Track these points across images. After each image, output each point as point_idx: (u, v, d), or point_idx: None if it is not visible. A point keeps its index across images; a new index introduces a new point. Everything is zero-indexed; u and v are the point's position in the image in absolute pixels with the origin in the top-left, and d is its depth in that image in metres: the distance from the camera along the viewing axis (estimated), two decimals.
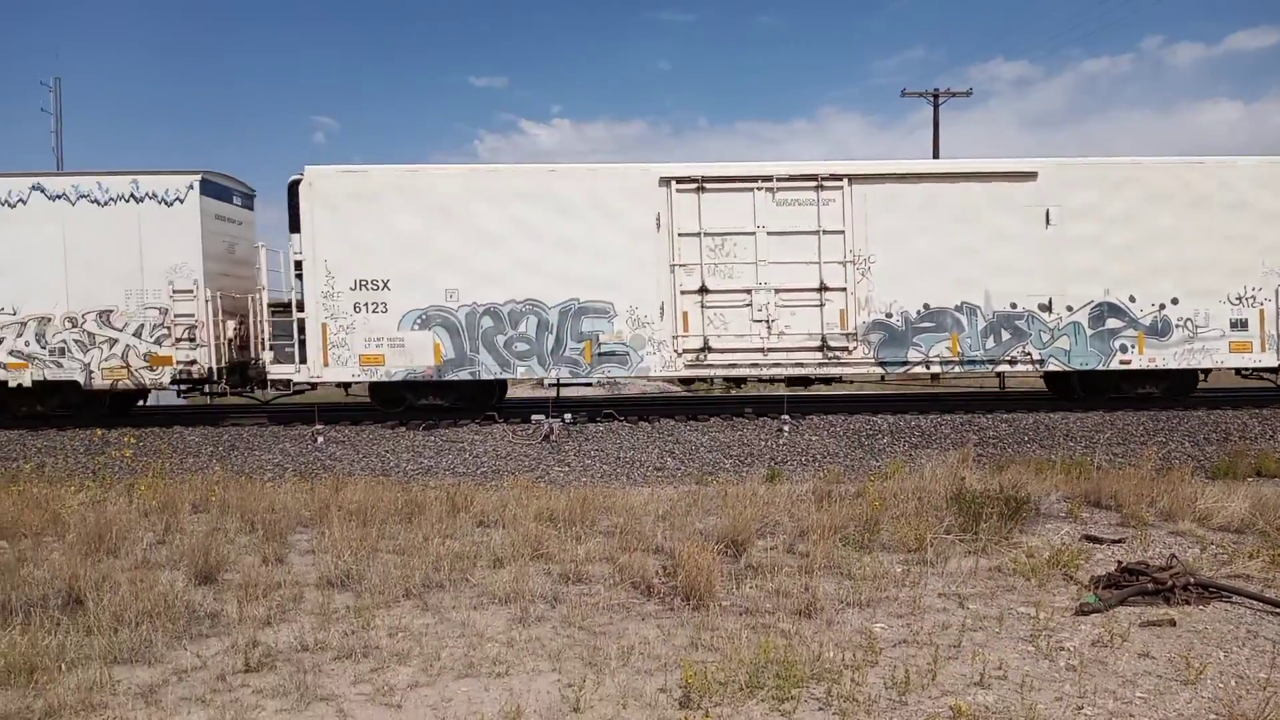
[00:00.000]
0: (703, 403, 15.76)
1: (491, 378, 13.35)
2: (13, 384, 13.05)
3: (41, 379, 13.08)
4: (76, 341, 13.03)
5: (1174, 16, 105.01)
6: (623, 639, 5.12)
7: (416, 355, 13.00)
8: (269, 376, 13.20)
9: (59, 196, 13.01)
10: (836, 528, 7.18)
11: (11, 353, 13.03)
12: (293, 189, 12.97)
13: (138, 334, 13.04)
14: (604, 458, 11.77)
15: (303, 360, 12.91)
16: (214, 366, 13.18)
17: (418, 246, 12.94)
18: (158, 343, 13.04)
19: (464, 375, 13.15)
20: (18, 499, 8.35)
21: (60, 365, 13.05)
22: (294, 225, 12.97)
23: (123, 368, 13.04)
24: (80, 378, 13.08)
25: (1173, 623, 5.32)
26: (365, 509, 7.86)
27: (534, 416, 13.20)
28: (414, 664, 4.81)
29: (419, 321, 12.99)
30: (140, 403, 15.25)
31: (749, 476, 10.44)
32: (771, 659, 4.58)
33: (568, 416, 13.20)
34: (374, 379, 13.19)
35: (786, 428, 12.68)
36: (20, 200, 13.00)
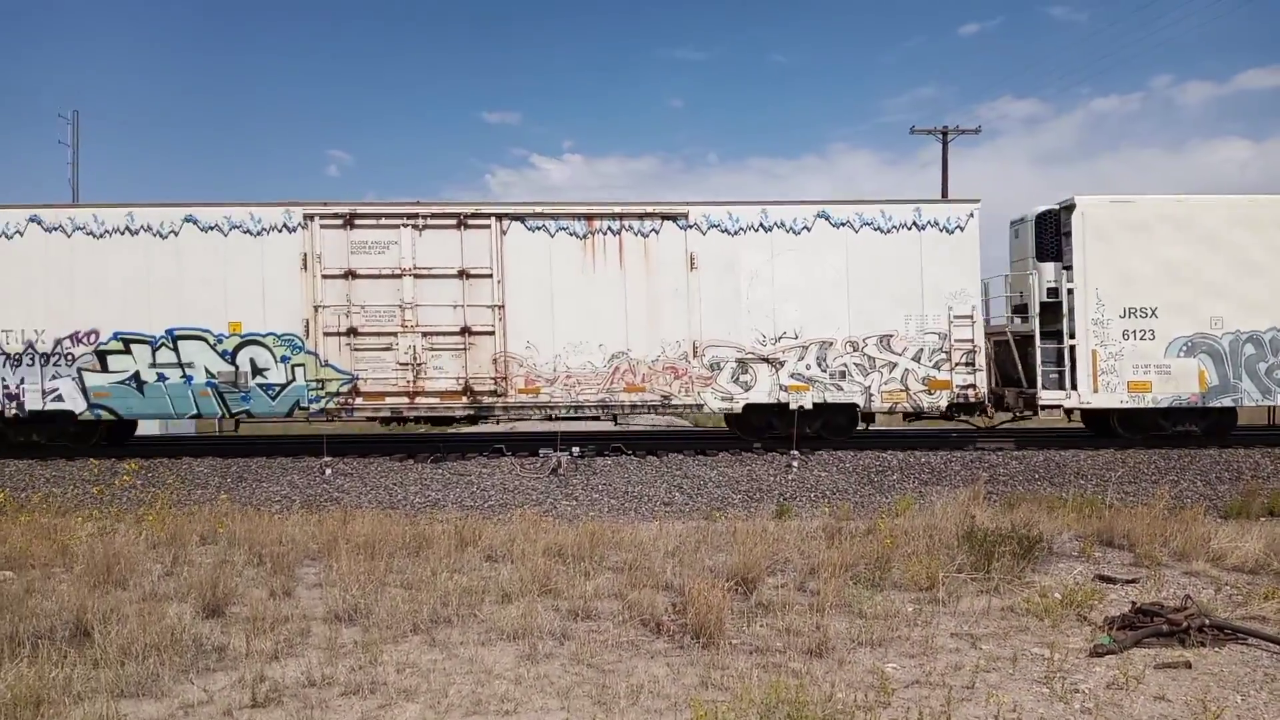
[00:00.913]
0: (711, 437, 15.72)
1: (1254, 405, 13.86)
2: (793, 405, 13.48)
3: (821, 401, 13.52)
4: (857, 365, 13.48)
5: (1184, 55, 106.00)
6: (632, 677, 5.07)
7: (1182, 382, 13.45)
8: (1040, 403, 13.61)
9: (843, 224, 13.51)
10: (847, 565, 7.13)
11: (793, 375, 13.48)
12: (1044, 219, 13.81)
13: (916, 358, 13.46)
14: (612, 492, 11.74)
15: (1072, 386, 13.40)
16: (987, 391, 13.55)
17: (1183, 274, 13.43)
18: (936, 367, 13.47)
19: (1226, 402, 13.60)
20: (26, 529, 8.35)
21: (840, 388, 13.50)
22: (1045, 253, 13.77)
23: (901, 391, 13.50)
24: (860, 400, 13.54)
25: (1188, 665, 5.26)
26: (373, 542, 7.83)
27: (541, 450, 13.19)
28: (421, 701, 4.77)
29: (1185, 349, 13.46)
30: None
31: (758, 512, 10.39)
32: (783, 699, 4.53)
33: (575, 450, 13.19)
34: (1140, 405, 13.59)
35: (795, 463, 12.64)
36: (805, 227, 13.48)
